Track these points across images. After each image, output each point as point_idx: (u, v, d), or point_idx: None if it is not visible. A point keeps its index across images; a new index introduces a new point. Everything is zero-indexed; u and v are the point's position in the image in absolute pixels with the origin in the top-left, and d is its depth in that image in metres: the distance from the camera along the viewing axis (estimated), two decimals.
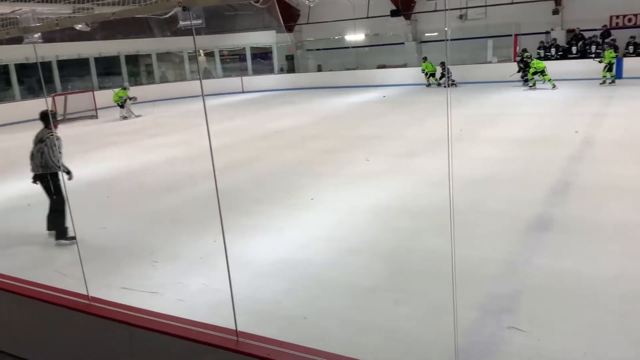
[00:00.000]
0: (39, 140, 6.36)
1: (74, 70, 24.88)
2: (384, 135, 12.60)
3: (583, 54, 20.64)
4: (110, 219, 7.24)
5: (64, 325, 3.92)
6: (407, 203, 7.22)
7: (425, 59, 22.73)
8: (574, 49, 21.02)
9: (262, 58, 29.28)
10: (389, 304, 4.53)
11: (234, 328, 3.19)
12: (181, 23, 2.75)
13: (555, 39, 21.55)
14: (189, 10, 2.69)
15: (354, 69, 26.55)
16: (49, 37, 3.71)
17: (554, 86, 18.19)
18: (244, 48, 28.33)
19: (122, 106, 19.41)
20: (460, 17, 23.14)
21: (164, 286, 5.11)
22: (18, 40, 4.58)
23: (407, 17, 24.46)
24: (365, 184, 8.30)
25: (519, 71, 20.04)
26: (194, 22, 2.73)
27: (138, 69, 28.33)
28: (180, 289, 5.04)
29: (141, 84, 27.09)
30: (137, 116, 19.51)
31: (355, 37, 26.46)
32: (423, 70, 22.56)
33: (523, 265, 5.15)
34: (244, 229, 6.41)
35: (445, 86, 21.92)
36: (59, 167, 6.28)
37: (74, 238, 6.24)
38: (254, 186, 8.60)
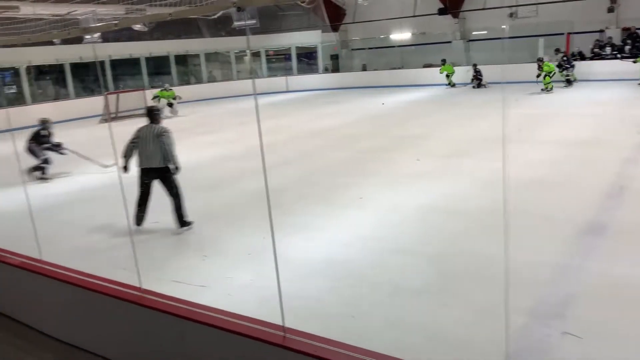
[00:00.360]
0: (158, 135, 6.45)
1: (125, 70, 25.73)
2: (430, 135, 12.45)
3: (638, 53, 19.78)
4: (162, 213, 7.43)
5: (117, 316, 4.06)
6: (456, 204, 7.11)
7: (444, 61, 22.86)
8: (626, 48, 20.17)
9: (307, 57, 29.46)
10: (435, 305, 4.48)
11: (281, 324, 3.23)
12: (235, 23, 2.80)
13: (610, 38, 20.75)
14: (243, 10, 2.73)
15: (399, 68, 26.33)
16: (103, 37, 3.86)
17: (550, 90, 18.14)
18: (290, 48, 28.58)
19: (171, 105, 19.97)
20: (511, 15, 22.57)
21: (213, 280, 5.22)
22: (77, 40, 4.78)
23: (455, 16, 24.04)
24: (412, 183, 8.22)
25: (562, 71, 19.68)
26: (248, 22, 2.77)
27: (187, 69, 29.02)
28: (228, 283, 5.14)
29: (189, 83, 27.75)
30: (168, 117, 19.69)
31: (401, 35, 26.23)
32: (441, 72, 22.79)
33: (575, 270, 4.99)
34: (290, 227, 6.45)
35: (474, 86, 21.77)
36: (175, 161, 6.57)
37: (191, 223, 6.76)
38: (299, 185, 8.66)
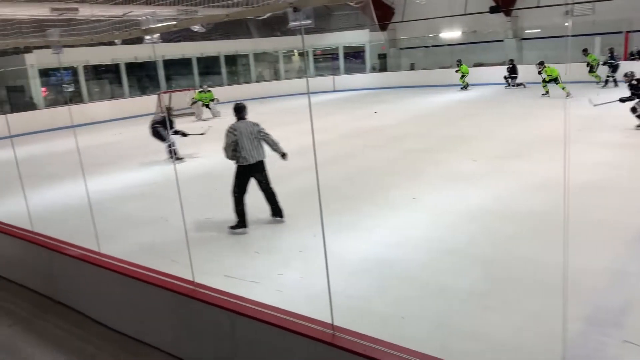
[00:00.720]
0: (257, 130, 6.50)
1: (177, 70, 26.43)
2: (481, 135, 12.21)
3: None
4: (215, 209, 7.59)
5: (169, 308, 4.18)
6: (507, 207, 6.94)
7: (459, 62, 22.64)
8: None
9: (354, 57, 29.43)
10: (485, 309, 4.39)
11: (330, 322, 3.25)
12: (291, 24, 2.83)
13: None
14: (299, 11, 2.77)
15: (448, 67, 25.91)
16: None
17: (569, 94, 16.56)
18: (337, 47, 28.61)
19: (207, 106, 19.99)
20: (566, 12, 21.76)
21: (263, 276, 5.31)
22: (134, 41, 4.96)
23: (508, 14, 23.46)
24: (462, 184, 8.09)
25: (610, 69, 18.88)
26: (304, 22, 2.80)
27: (236, 69, 29.51)
28: (278, 279, 5.22)
29: (238, 82, 28.24)
30: (204, 120, 19.12)
31: (451, 34, 25.82)
32: (457, 71, 22.58)
33: (633, 276, 4.80)
34: (339, 226, 6.48)
35: (513, 85, 21.40)
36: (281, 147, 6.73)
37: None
38: (347, 184, 8.65)
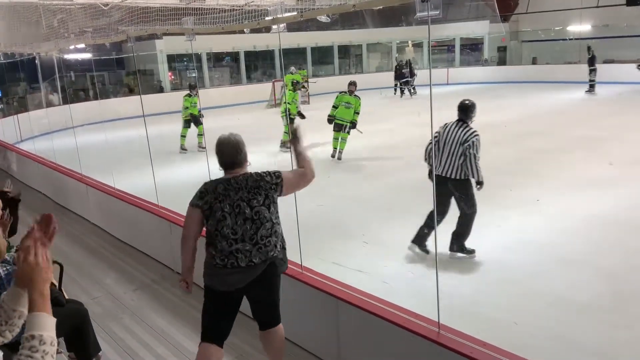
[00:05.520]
0: (463, 140, 5.35)
1: (292, 59, 27.15)
2: (612, 137, 11.23)
3: None
4: (326, 198, 7.71)
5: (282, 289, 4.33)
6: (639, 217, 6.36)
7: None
8: None
9: (470, 49, 28.39)
10: (605, 325, 4.08)
11: (436, 320, 3.18)
12: (418, 14, 2.78)
13: None
14: (427, 1, 2.71)
15: (575, 62, 24.12)
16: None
17: None
18: (454, 39, 27.73)
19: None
20: None
21: (370, 266, 5.33)
22: (256, 30, 5.14)
23: None
24: (591, 190, 7.52)
25: None
26: (432, 12, 2.73)
27: (348, 59, 29.68)
28: (385, 271, 5.22)
29: (350, 73, 28.42)
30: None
31: (580, 27, 23.97)
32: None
33: None
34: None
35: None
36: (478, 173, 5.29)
37: (472, 251, 5.46)
38: None
